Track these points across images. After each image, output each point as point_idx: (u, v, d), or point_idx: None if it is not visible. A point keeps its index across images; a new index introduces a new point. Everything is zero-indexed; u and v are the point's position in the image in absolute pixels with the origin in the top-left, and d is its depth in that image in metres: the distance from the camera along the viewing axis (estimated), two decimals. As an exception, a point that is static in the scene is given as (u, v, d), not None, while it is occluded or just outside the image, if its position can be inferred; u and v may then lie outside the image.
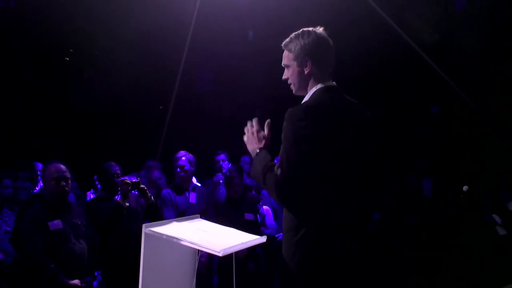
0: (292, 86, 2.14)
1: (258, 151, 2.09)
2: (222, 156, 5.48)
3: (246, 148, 2.22)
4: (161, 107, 8.04)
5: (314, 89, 2.04)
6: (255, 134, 2.13)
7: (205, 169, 5.62)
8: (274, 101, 7.82)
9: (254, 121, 2.15)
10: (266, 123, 2.14)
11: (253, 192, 4.74)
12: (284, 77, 2.16)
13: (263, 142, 2.11)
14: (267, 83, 7.33)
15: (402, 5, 6.06)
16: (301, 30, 2.08)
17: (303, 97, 2.09)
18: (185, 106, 7.83)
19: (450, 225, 4.81)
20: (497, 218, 4.40)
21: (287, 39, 2.11)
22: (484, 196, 4.73)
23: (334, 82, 2.07)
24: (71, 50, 7.49)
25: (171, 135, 7.40)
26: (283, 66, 2.15)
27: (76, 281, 3.29)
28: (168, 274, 2.14)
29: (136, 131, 7.62)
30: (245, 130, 2.18)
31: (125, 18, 6.31)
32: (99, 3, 6.17)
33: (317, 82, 2.04)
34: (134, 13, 6.30)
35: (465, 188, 4.76)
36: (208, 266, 4.42)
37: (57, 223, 3.33)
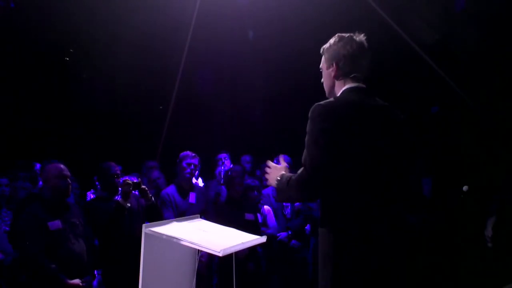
0: (325, 89, 2.22)
1: (279, 178, 2.11)
2: (224, 155, 5.48)
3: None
4: (161, 107, 8.04)
5: (341, 91, 2.11)
6: (275, 167, 2.18)
7: (205, 169, 5.62)
8: (274, 101, 7.86)
9: (281, 158, 2.24)
10: (281, 158, 2.24)
11: (255, 193, 4.75)
12: (322, 80, 2.24)
13: (283, 170, 2.15)
14: (267, 83, 7.34)
15: (402, 5, 6.06)
16: (337, 35, 2.17)
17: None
18: (185, 106, 7.83)
19: (450, 225, 4.81)
20: (465, 187, 4.48)
21: (325, 44, 2.20)
22: (484, 196, 4.73)
23: (363, 85, 2.11)
24: (71, 50, 7.48)
25: (171, 135, 7.40)
26: (320, 70, 2.25)
27: (76, 281, 3.30)
28: (168, 274, 2.14)
29: (136, 131, 7.62)
30: (266, 170, 2.23)
31: (125, 18, 6.31)
32: (99, 3, 6.17)
33: (344, 84, 2.11)
34: (134, 13, 6.29)
35: (465, 188, 4.76)
36: (208, 266, 4.42)
37: (56, 223, 3.33)
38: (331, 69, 2.12)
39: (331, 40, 2.16)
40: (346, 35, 2.12)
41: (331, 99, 2.09)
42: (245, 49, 7.19)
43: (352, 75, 2.09)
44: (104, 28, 6.53)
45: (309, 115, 1.97)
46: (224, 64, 7.62)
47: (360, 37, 2.12)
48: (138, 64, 7.04)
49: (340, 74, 2.10)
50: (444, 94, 6.65)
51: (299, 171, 1.94)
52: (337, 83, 2.13)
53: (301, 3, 5.92)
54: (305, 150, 1.95)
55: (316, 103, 1.99)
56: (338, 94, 2.11)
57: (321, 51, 2.21)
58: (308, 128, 1.96)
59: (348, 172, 1.91)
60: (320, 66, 2.22)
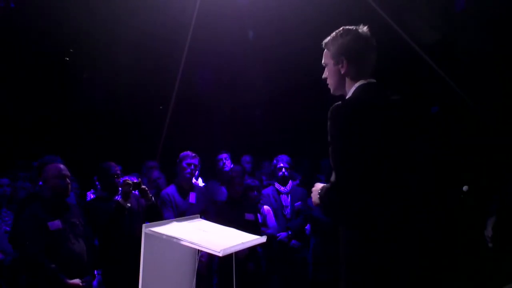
0: (329, 86, 2.11)
1: (319, 190, 1.97)
2: (224, 155, 5.48)
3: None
4: (161, 107, 8.05)
5: (353, 88, 1.99)
6: (317, 185, 2.04)
7: (205, 170, 5.62)
8: (274, 101, 7.86)
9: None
10: None
11: (255, 193, 4.75)
12: (323, 76, 2.13)
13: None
14: (267, 83, 7.35)
15: (402, 5, 6.06)
16: (341, 28, 2.05)
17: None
18: (185, 106, 7.83)
19: (450, 225, 4.81)
20: (465, 187, 4.49)
21: (328, 38, 2.08)
22: (484, 196, 4.73)
23: (373, 79, 2.01)
24: (71, 50, 7.48)
25: (171, 135, 7.40)
26: (323, 65, 2.12)
27: (77, 281, 3.30)
28: (168, 274, 2.14)
29: (136, 131, 7.62)
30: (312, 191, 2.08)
31: (125, 18, 6.31)
32: (99, 3, 6.17)
33: (354, 81, 2.00)
34: (134, 13, 6.30)
35: (465, 188, 4.76)
36: (208, 266, 4.42)
37: (56, 223, 3.33)
38: (340, 65, 2.01)
39: (335, 34, 2.05)
40: (352, 27, 2.02)
41: (349, 97, 1.98)
42: (245, 49, 7.19)
43: (363, 71, 2.00)
44: (104, 28, 6.53)
45: (331, 116, 1.86)
46: (224, 64, 7.63)
47: (365, 30, 2.03)
48: (138, 64, 7.04)
49: (351, 70, 1.99)
50: (444, 94, 6.65)
51: (332, 178, 1.83)
52: (347, 79, 2.01)
53: (301, 3, 5.93)
54: (331, 156, 1.85)
55: (336, 104, 1.88)
56: (350, 91, 1.99)
57: (323, 45, 2.10)
58: (332, 130, 1.85)
59: (380, 173, 1.83)
60: (324, 61, 2.10)
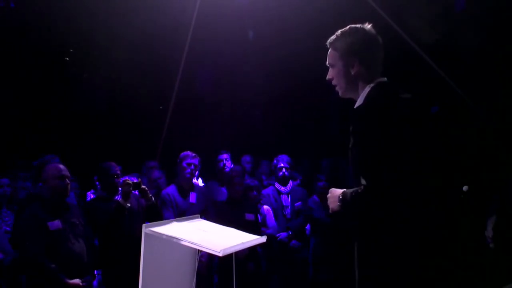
0: (337, 88, 2.01)
1: (341, 197, 1.88)
2: (225, 156, 5.48)
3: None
4: (161, 107, 8.04)
5: (367, 89, 1.91)
6: (333, 191, 1.97)
7: (205, 170, 5.62)
8: (274, 101, 7.86)
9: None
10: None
11: (254, 192, 4.75)
12: (328, 77, 2.02)
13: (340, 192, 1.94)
14: (267, 83, 7.35)
15: (402, 5, 6.06)
16: (348, 27, 1.96)
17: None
18: (185, 106, 7.83)
19: (450, 225, 4.81)
20: (465, 187, 4.52)
21: (333, 37, 1.99)
22: (484, 196, 4.73)
23: (385, 78, 1.95)
24: (71, 50, 7.48)
25: (171, 135, 7.40)
26: (327, 65, 2.02)
27: (77, 281, 3.31)
28: (168, 274, 2.14)
29: (136, 131, 7.62)
30: (327, 197, 2.01)
31: (125, 18, 6.31)
32: (99, 3, 6.17)
33: (366, 81, 1.92)
34: (134, 13, 6.30)
35: (465, 188, 4.76)
36: (208, 266, 4.42)
37: (56, 223, 3.34)
38: (350, 66, 1.91)
39: (342, 33, 1.96)
40: (359, 26, 1.94)
41: (362, 102, 1.89)
42: (245, 49, 7.19)
43: (376, 70, 1.93)
44: (104, 28, 6.53)
45: (359, 118, 1.80)
46: (224, 64, 7.62)
47: (371, 28, 1.95)
48: (138, 64, 7.04)
49: (363, 71, 1.90)
50: (444, 94, 6.65)
51: (363, 181, 1.76)
52: (359, 81, 1.92)
53: (301, 3, 5.93)
54: (361, 162, 1.79)
55: (355, 111, 1.83)
56: (364, 93, 1.90)
57: (327, 45, 2.00)
58: (360, 133, 1.78)
59: (407, 173, 1.78)
60: (329, 62, 1.99)
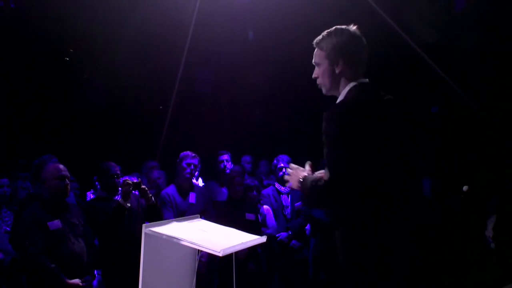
0: (321, 86, 2.09)
1: (301, 179, 2.00)
2: (225, 156, 5.47)
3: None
4: (161, 107, 8.04)
5: (347, 88, 1.99)
6: (297, 170, 2.07)
7: (205, 170, 5.62)
8: (274, 101, 7.86)
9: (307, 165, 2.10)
10: (308, 163, 2.10)
11: (254, 192, 4.75)
12: (314, 75, 2.10)
13: (305, 172, 2.05)
14: (267, 82, 7.34)
15: (402, 5, 6.06)
16: (334, 27, 2.04)
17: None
18: (185, 106, 7.83)
19: (450, 225, 4.81)
20: (465, 187, 4.57)
21: (319, 37, 2.06)
22: (484, 196, 4.73)
23: (367, 79, 2.02)
24: (71, 50, 7.48)
25: (171, 135, 7.40)
26: (313, 64, 2.10)
27: (77, 281, 3.31)
28: (168, 274, 2.14)
29: (136, 131, 7.62)
30: (288, 171, 2.12)
31: (125, 18, 6.31)
32: (99, 3, 6.17)
33: (349, 81, 2.00)
34: (134, 13, 6.30)
35: (465, 188, 4.76)
36: (208, 266, 4.42)
37: (56, 223, 3.34)
38: (336, 64, 1.99)
39: (328, 33, 2.03)
40: (344, 27, 2.02)
41: (342, 99, 1.98)
42: (245, 49, 7.18)
43: (359, 71, 2.01)
44: (104, 28, 6.53)
45: (330, 117, 1.87)
46: (224, 64, 7.62)
47: (356, 29, 2.03)
48: (138, 64, 7.04)
49: (347, 70, 1.99)
50: (444, 94, 6.65)
51: (325, 177, 1.85)
52: (342, 79, 2.00)
53: (301, 3, 5.93)
54: (328, 156, 1.87)
55: (332, 107, 1.90)
56: (344, 91, 1.99)
57: (314, 45, 2.08)
58: (330, 131, 1.86)
59: (375, 173, 1.85)
60: (315, 61, 2.07)
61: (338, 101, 2.00)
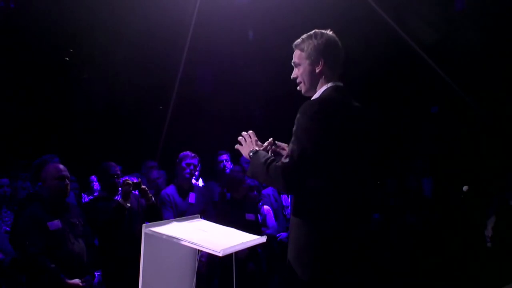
0: (301, 86, 2.19)
1: (254, 151, 2.16)
2: (225, 156, 5.46)
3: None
4: (161, 107, 8.04)
5: (324, 87, 2.10)
6: (252, 139, 2.25)
7: (205, 170, 5.61)
8: (274, 101, 7.85)
9: (251, 133, 2.27)
10: (269, 140, 2.25)
11: (255, 192, 4.74)
12: (293, 75, 2.22)
13: (260, 147, 2.20)
14: (267, 82, 7.34)
15: (402, 5, 6.06)
16: (313, 31, 2.15)
17: (307, 97, 2.16)
18: (185, 106, 7.83)
19: (450, 225, 4.81)
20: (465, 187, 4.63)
21: (299, 40, 2.18)
22: (484, 196, 4.74)
23: (341, 83, 2.13)
24: (71, 50, 7.48)
25: (171, 135, 7.40)
26: (292, 64, 2.21)
27: (76, 281, 3.31)
28: (168, 274, 2.14)
29: (136, 131, 7.62)
30: (239, 139, 2.28)
31: (125, 18, 6.31)
32: (99, 3, 6.17)
33: (327, 81, 2.11)
34: (134, 13, 6.30)
35: (465, 188, 4.76)
36: (208, 266, 4.42)
37: (56, 223, 3.34)
38: (316, 65, 2.10)
39: (308, 36, 2.15)
40: (323, 31, 2.14)
41: (317, 96, 2.09)
42: (245, 49, 7.18)
43: (336, 72, 2.12)
44: (104, 28, 6.53)
45: (302, 111, 1.98)
46: (224, 64, 7.62)
47: (333, 34, 2.15)
48: (138, 64, 7.04)
49: (327, 71, 2.10)
50: (444, 94, 6.65)
51: (284, 159, 1.95)
52: (321, 79, 2.12)
53: (301, 3, 5.93)
54: (293, 142, 1.97)
55: (308, 101, 2.03)
56: (320, 90, 2.10)
57: (294, 47, 2.20)
58: (300, 122, 1.97)
59: (335, 167, 1.95)
60: (295, 61, 2.18)
61: (313, 97, 2.12)
